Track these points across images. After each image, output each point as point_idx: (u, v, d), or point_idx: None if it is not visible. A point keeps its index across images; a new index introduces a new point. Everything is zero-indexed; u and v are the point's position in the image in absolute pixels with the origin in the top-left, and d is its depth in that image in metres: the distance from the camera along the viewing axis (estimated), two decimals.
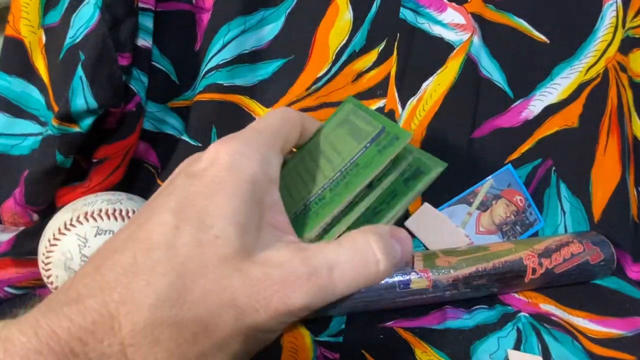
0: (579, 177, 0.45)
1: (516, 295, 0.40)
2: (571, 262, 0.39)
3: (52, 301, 0.16)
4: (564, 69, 0.44)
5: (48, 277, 0.34)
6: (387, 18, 0.43)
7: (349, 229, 0.22)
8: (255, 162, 0.20)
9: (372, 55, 0.43)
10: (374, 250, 0.19)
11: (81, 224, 0.33)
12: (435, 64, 0.44)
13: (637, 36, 0.42)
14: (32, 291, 0.38)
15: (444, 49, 0.43)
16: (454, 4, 0.43)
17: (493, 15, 0.43)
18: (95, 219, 0.33)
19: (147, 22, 0.40)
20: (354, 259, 0.19)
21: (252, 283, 0.17)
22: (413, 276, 0.36)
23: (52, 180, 0.38)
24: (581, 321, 0.37)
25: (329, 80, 0.44)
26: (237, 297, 0.17)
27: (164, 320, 0.16)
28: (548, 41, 0.43)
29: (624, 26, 0.43)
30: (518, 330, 0.36)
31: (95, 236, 0.33)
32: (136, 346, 0.15)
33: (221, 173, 0.19)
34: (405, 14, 0.43)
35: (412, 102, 0.44)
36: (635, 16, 0.42)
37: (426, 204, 0.45)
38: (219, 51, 0.42)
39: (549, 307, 0.38)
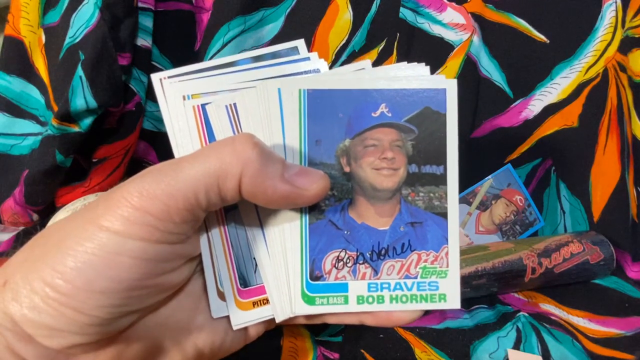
0: (579, 176, 0.45)
1: (516, 294, 0.40)
2: (571, 262, 0.39)
3: None
4: (563, 69, 0.44)
5: None
6: (387, 18, 0.43)
7: None
8: None
9: (372, 55, 0.43)
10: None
11: None
12: (435, 64, 0.43)
13: (636, 36, 0.42)
14: None
15: (443, 48, 0.43)
16: (453, 3, 0.43)
17: (493, 15, 0.43)
18: None
19: (146, 21, 0.40)
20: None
21: None
22: None
23: (52, 180, 0.38)
24: (581, 321, 0.37)
25: None
26: None
27: None
28: (548, 41, 0.43)
29: (623, 26, 0.43)
30: (518, 329, 0.36)
31: None
32: None
33: None
34: (405, 13, 0.43)
35: None
36: (634, 16, 0.42)
37: None
38: (218, 51, 0.42)
39: (548, 306, 0.38)
